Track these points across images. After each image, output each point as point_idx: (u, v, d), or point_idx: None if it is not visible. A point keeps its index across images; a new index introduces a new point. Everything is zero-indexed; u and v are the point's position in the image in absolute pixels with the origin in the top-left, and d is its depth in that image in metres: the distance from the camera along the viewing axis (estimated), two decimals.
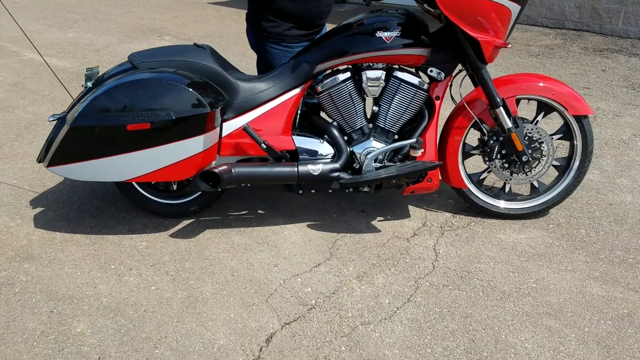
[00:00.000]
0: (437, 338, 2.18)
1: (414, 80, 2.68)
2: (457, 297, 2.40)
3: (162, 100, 2.45)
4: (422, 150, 2.71)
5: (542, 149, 2.81)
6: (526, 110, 3.94)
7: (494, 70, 5.29)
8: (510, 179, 2.89)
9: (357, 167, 2.76)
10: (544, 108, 2.83)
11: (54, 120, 2.66)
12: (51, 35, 6.71)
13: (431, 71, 2.71)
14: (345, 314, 2.31)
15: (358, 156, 2.75)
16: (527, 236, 2.82)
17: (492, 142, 2.80)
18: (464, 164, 2.91)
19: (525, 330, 2.22)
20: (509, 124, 2.73)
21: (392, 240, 2.79)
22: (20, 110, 4.45)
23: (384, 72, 2.69)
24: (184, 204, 2.90)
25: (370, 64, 2.72)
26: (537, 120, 2.84)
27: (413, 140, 2.70)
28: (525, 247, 2.73)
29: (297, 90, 2.72)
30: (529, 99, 2.82)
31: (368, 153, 2.73)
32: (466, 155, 2.94)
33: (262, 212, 3.04)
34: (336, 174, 2.70)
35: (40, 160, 2.66)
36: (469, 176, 2.94)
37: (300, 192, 2.80)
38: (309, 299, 2.39)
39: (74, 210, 3.04)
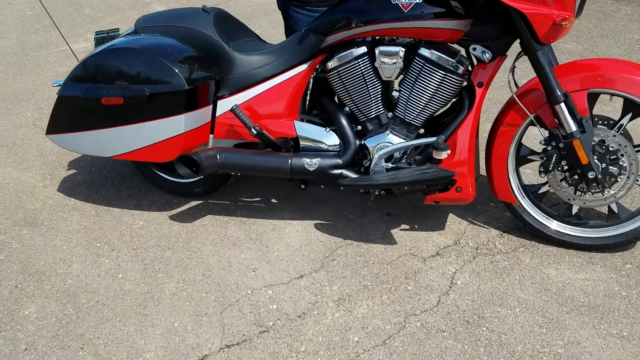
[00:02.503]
0: None
1: (443, 60, 2.08)
2: (445, 350, 1.86)
3: (138, 72, 2.20)
4: (448, 151, 2.12)
5: (621, 163, 2.05)
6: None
7: (610, 42, 4.17)
8: (576, 199, 2.17)
9: (367, 164, 2.27)
10: (634, 108, 2.05)
11: (57, 85, 2.56)
12: None
13: (474, 49, 2.09)
14: (298, 347, 1.91)
15: (371, 151, 2.25)
16: (587, 277, 2.11)
17: (550, 148, 2.11)
18: (517, 172, 2.25)
19: None
20: (572, 126, 2.02)
21: (404, 258, 2.27)
22: None
23: (403, 49, 2.12)
24: (190, 184, 2.65)
25: (395, 38, 2.18)
26: (622, 124, 2.07)
27: (432, 139, 2.12)
28: (576, 293, 2.04)
29: (303, 67, 2.28)
30: (611, 95, 2.05)
31: (380, 149, 2.22)
32: (524, 160, 2.27)
33: (275, 201, 2.68)
34: (337, 171, 2.24)
35: None
36: (525, 188, 2.28)
37: (303, 187, 2.39)
38: (267, 319, 2.02)
39: (100, 176, 2.97)
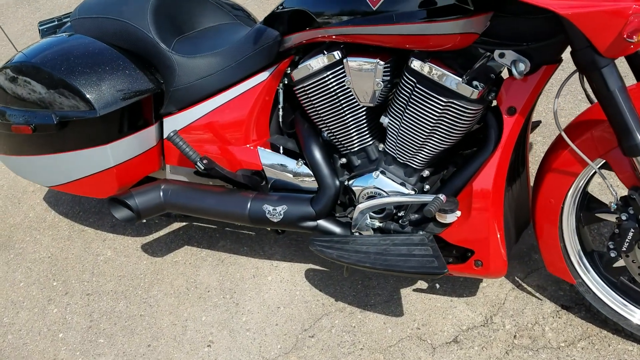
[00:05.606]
0: None
1: (445, 78, 1.31)
2: None
3: (45, 93, 1.68)
4: (457, 213, 1.39)
5: None
6: None
7: None
8: None
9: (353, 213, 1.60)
10: None
11: None
12: None
13: (501, 56, 1.29)
14: None
15: (357, 195, 1.58)
16: None
17: (625, 218, 1.30)
18: (579, 234, 1.47)
19: None
20: None
21: (406, 344, 1.62)
22: None
23: (382, 61, 1.37)
24: None
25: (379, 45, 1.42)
26: None
27: (428, 197, 1.39)
28: None
29: (265, 75, 1.62)
30: None
31: (368, 197, 1.54)
32: (591, 218, 1.47)
33: (269, 231, 2.10)
34: (310, 223, 1.61)
35: None
36: (593, 255, 1.49)
37: (279, 232, 1.79)
38: None
39: None
